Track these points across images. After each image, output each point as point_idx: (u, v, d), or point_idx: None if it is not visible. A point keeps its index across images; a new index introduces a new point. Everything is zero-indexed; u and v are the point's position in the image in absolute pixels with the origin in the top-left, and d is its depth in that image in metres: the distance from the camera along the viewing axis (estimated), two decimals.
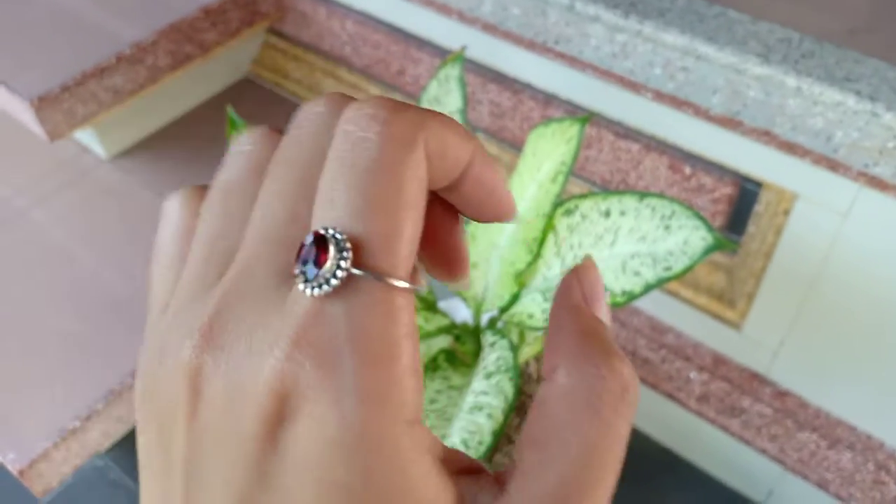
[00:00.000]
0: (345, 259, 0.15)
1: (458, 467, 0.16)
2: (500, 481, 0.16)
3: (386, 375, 0.15)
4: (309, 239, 0.15)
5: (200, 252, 0.17)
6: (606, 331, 0.17)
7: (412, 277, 0.18)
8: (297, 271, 0.15)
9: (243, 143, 0.19)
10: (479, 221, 0.19)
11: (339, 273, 0.15)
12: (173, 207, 0.20)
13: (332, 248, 0.15)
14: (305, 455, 0.14)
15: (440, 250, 0.20)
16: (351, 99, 0.17)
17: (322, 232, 0.15)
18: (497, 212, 0.19)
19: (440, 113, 0.17)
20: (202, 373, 0.15)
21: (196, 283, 0.17)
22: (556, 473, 0.15)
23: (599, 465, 0.16)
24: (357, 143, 0.16)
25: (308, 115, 0.18)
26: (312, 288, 0.15)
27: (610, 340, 0.17)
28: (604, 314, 0.18)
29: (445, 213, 0.19)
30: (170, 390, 0.16)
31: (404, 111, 0.16)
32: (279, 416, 0.15)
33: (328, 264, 0.15)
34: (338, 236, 0.15)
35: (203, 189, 0.20)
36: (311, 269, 0.15)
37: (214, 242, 0.17)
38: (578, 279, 0.18)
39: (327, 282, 0.15)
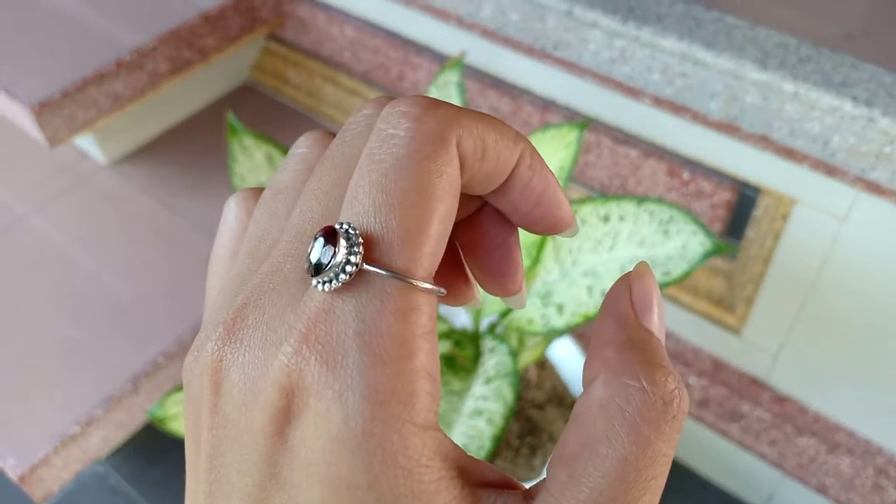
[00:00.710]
0: (355, 254, 0.15)
1: (483, 480, 0.16)
2: (528, 497, 0.15)
3: (394, 374, 0.14)
4: (319, 233, 0.15)
5: (247, 250, 0.18)
6: (655, 343, 0.16)
7: (452, 282, 0.19)
8: (305, 265, 0.15)
9: (298, 146, 0.19)
10: (532, 232, 0.19)
11: (349, 268, 0.15)
12: (230, 208, 0.20)
13: (342, 242, 0.15)
14: (312, 452, 0.14)
15: (493, 262, 0.19)
16: (388, 98, 0.18)
17: (335, 227, 0.15)
18: (550, 221, 0.18)
19: (481, 112, 0.17)
20: (221, 366, 0.16)
21: (238, 280, 0.17)
22: (587, 488, 0.15)
23: (635, 482, 0.15)
24: (386, 139, 0.16)
25: (356, 117, 0.18)
26: (323, 283, 0.15)
27: (657, 352, 0.16)
28: (655, 325, 0.17)
29: (499, 222, 0.19)
30: (197, 384, 0.16)
31: (437, 108, 0.16)
32: (287, 412, 0.15)
33: (338, 258, 0.15)
34: (350, 230, 0.15)
35: (259, 191, 0.20)
36: (314, 259, 0.15)
37: (260, 241, 0.17)
38: (629, 286, 0.17)
39: (337, 277, 0.15)
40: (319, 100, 0.82)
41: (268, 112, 0.84)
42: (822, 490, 0.61)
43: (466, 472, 0.15)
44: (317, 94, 0.82)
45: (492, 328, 0.51)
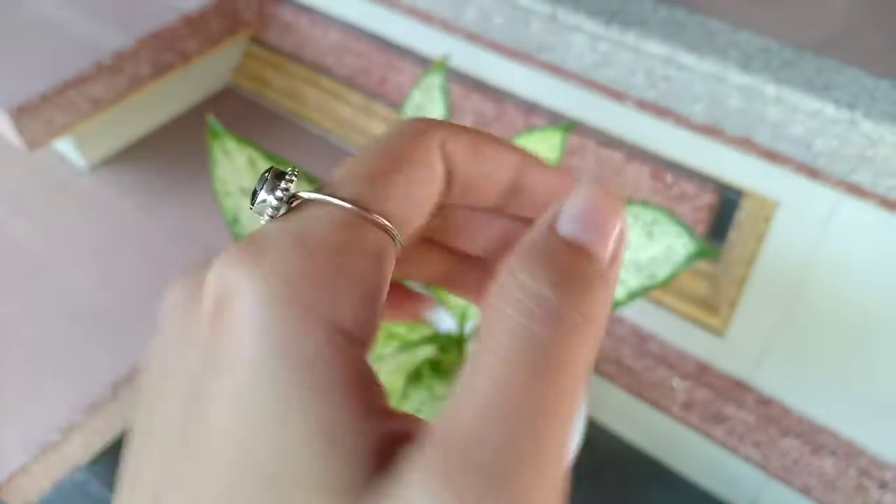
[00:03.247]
0: (288, 182, 0.17)
1: (386, 409, 0.15)
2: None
3: (314, 268, 0.15)
4: (265, 174, 0.17)
5: None
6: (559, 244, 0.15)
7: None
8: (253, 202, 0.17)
9: None
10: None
11: (279, 193, 0.16)
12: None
13: (284, 180, 0.17)
14: (237, 334, 0.15)
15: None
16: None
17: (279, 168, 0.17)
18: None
19: (472, 127, 0.18)
20: (221, 278, 0.17)
21: None
22: (484, 382, 0.13)
23: (544, 360, 0.13)
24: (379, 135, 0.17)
25: None
26: (262, 214, 0.17)
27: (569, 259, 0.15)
28: (575, 228, 0.15)
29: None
30: (201, 293, 0.17)
31: (424, 117, 0.18)
32: (218, 308, 0.15)
33: (276, 191, 0.16)
34: (290, 171, 0.17)
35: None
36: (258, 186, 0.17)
37: None
38: (588, 196, 0.15)
39: (266, 202, 0.16)
40: (302, 103, 0.81)
41: (250, 115, 0.84)
42: (805, 491, 0.62)
43: (380, 397, 0.15)
44: (299, 97, 0.82)
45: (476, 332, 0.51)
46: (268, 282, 0.15)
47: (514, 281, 0.14)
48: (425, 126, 0.17)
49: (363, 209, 0.16)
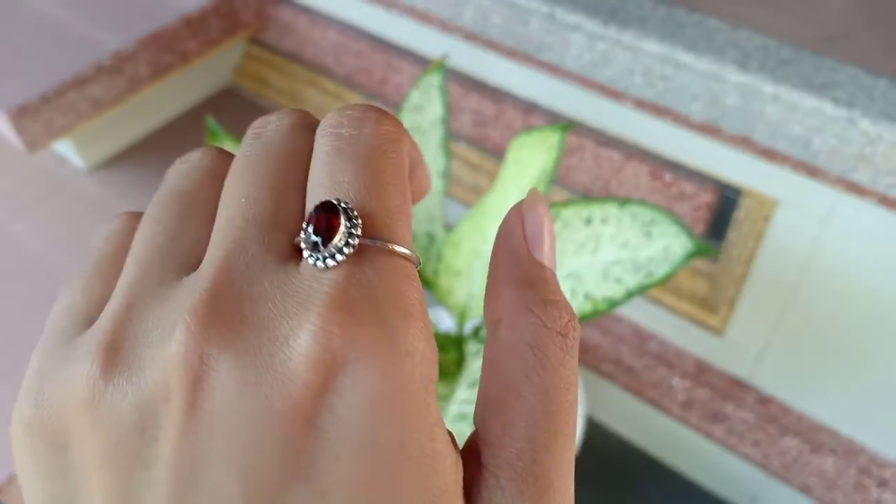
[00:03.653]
0: (356, 227, 0.15)
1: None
2: (470, 452, 0.16)
3: (418, 332, 0.15)
4: (314, 207, 0.15)
5: (152, 252, 0.16)
6: (548, 276, 0.17)
7: None
8: (304, 241, 0.15)
9: (195, 160, 0.18)
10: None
11: (352, 241, 0.15)
12: (125, 221, 0.18)
13: (342, 218, 0.15)
14: (345, 424, 0.14)
15: None
16: (305, 112, 0.18)
17: (333, 201, 0.15)
18: (422, 191, 0.20)
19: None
20: (203, 359, 0.14)
21: (151, 282, 0.16)
22: (522, 428, 0.16)
23: (558, 410, 0.16)
24: (354, 137, 0.17)
25: (266, 124, 0.18)
26: (324, 258, 0.15)
27: (549, 285, 0.17)
28: (547, 257, 0.18)
29: None
30: (146, 389, 0.14)
31: (388, 115, 0.17)
32: (318, 388, 0.14)
33: (340, 233, 0.15)
34: (347, 207, 0.15)
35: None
36: (314, 234, 0.15)
37: (170, 243, 0.16)
38: (521, 218, 0.18)
39: (340, 251, 0.15)
40: (301, 104, 0.81)
41: (249, 116, 0.84)
42: (805, 490, 0.62)
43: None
44: (299, 98, 0.82)
45: (476, 332, 0.51)
46: (397, 360, 0.14)
47: (533, 319, 0.17)
48: (398, 133, 0.17)
49: (414, 254, 0.16)
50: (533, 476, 0.16)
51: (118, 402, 0.14)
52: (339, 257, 0.15)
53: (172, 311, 0.15)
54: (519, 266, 0.17)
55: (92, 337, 0.15)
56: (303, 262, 0.15)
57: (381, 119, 0.17)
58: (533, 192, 0.18)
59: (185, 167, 0.18)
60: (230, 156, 0.18)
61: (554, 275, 0.18)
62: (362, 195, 0.16)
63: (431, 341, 0.15)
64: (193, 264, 0.16)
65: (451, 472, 0.15)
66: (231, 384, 0.14)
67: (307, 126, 0.18)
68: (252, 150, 0.17)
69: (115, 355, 0.15)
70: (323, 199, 0.16)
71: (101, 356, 0.15)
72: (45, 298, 0.72)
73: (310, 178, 0.17)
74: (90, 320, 0.16)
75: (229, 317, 0.14)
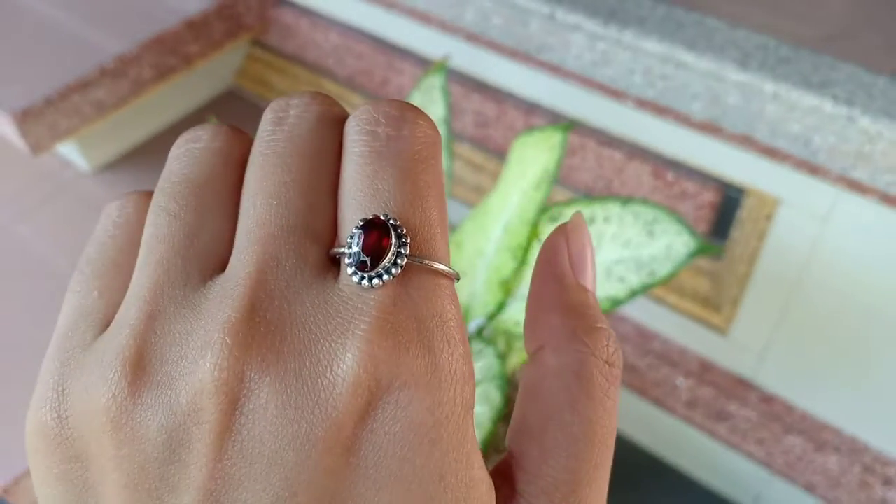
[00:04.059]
0: (405, 245, 0.14)
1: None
2: (503, 476, 0.16)
3: (461, 358, 0.14)
4: (358, 224, 0.15)
5: (171, 252, 0.15)
6: (592, 300, 0.17)
7: None
8: (348, 257, 0.14)
9: (205, 140, 0.17)
10: None
11: (400, 261, 0.14)
12: (126, 209, 0.17)
13: (392, 237, 0.14)
14: (385, 451, 0.13)
15: None
16: (333, 99, 0.17)
17: (382, 218, 0.15)
18: None
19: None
20: (245, 380, 0.13)
21: (173, 287, 0.15)
22: (563, 457, 0.15)
23: (601, 441, 0.16)
24: (392, 140, 0.16)
25: (288, 107, 0.17)
26: (371, 278, 0.14)
27: (595, 312, 0.17)
28: (589, 279, 0.17)
29: None
30: (178, 410, 0.13)
31: (425, 115, 0.17)
32: (360, 414, 0.13)
33: (390, 253, 0.14)
34: (397, 224, 0.15)
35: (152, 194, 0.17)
36: (363, 253, 0.14)
37: (191, 239, 0.15)
38: (566, 240, 0.17)
39: (388, 271, 0.14)
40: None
41: (252, 118, 0.84)
42: (809, 488, 0.62)
43: None
44: None
45: (479, 331, 0.51)
46: (441, 389, 0.14)
47: (581, 347, 0.16)
48: (435, 136, 0.16)
49: (454, 271, 0.15)
50: None
51: (146, 422, 0.14)
52: (385, 277, 0.14)
53: (204, 326, 0.14)
54: (565, 291, 0.17)
55: (115, 349, 0.14)
56: (342, 278, 0.15)
57: (419, 120, 0.16)
58: (576, 217, 0.18)
59: (196, 148, 0.17)
60: (244, 136, 0.17)
61: (596, 299, 0.17)
62: (405, 208, 0.15)
63: (471, 364, 0.15)
64: (216, 265, 0.15)
65: (486, 498, 0.15)
66: (271, 409, 0.13)
67: (334, 118, 0.17)
68: (276, 142, 0.16)
69: (142, 372, 0.14)
70: (367, 213, 0.15)
71: (128, 372, 0.14)
72: (49, 300, 0.72)
73: (344, 181, 0.16)
74: (107, 322, 0.15)
75: (270, 337, 0.14)
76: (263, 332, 0.14)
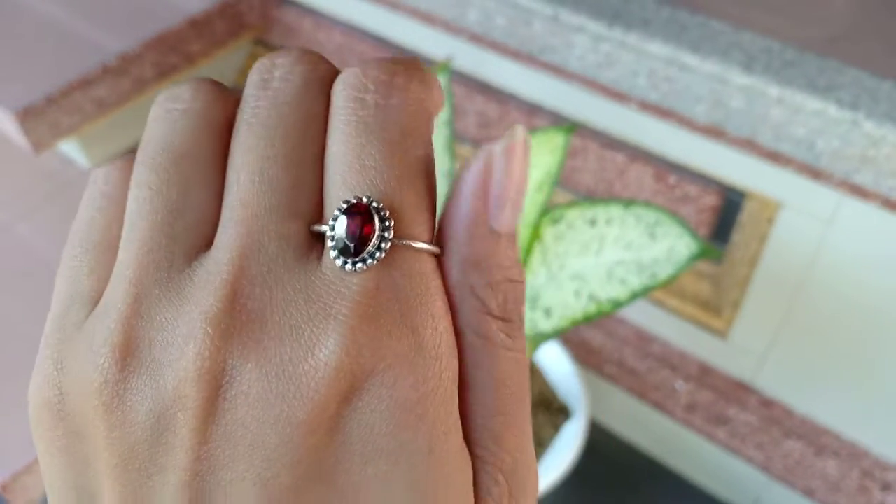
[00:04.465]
0: (388, 230, 0.14)
1: None
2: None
3: (445, 333, 0.15)
4: (341, 207, 0.14)
5: (155, 228, 0.15)
6: (500, 247, 0.16)
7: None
8: (330, 240, 0.14)
9: (186, 100, 0.16)
10: None
11: (384, 245, 0.14)
12: (113, 178, 0.17)
13: (376, 220, 0.14)
14: (371, 429, 0.14)
15: None
16: (321, 57, 0.16)
17: (365, 202, 0.14)
18: None
19: (426, 72, 0.17)
20: (226, 366, 0.14)
21: (158, 268, 0.15)
22: (479, 420, 0.15)
23: (511, 396, 0.16)
24: (380, 109, 0.15)
25: (273, 68, 0.16)
26: (355, 262, 0.14)
27: (495, 262, 0.16)
28: (507, 217, 0.16)
29: None
30: (165, 396, 0.14)
31: (417, 76, 0.16)
32: (343, 396, 0.14)
33: (374, 238, 0.14)
34: (380, 207, 0.14)
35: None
36: (347, 240, 0.14)
37: (174, 216, 0.15)
38: (490, 169, 0.16)
39: (372, 255, 0.14)
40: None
41: None
42: (808, 493, 0.62)
43: None
44: None
45: None
46: (426, 366, 0.14)
47: (476, 304, 0.16)
48: (427, 101, 0.16)
49: (435, 246, 0.15)
50: (498, 464, 0.15)
51: (136, 407, 0.14)
52: (369, 262, 0.14)
53: (189, 313, 0.14)
54: (468, 242, 0.16)
55: (103, 333, 0.14)
56: (325, 261, 0.15)
57: (410, 85, 0.15)
58: (512, 139, 0.16)
59: (177, 111, 0.16)
60: (227, 95, 0.16)
61: (510, 239, 0.16)
62: (391, 186, 0.15)
63: (452, 335, 0.15)
64: (201, 244, 0.15)
65: (469, 467, 0.15)
66: (253, 394, 0.14)
67: (322, 79, 0.16)
68: (260, 110, 0.16)
69: (131, 357, 0.14)
70: (352, 191, 0.15)
71: (117, 358, 0.14)
72: (49, 298, 0.72)
73: (329, 152, 0.15)
74: (96, 300, 0.16)
75: (250, 324, 0.14)
76: (245, 320, 0.14)
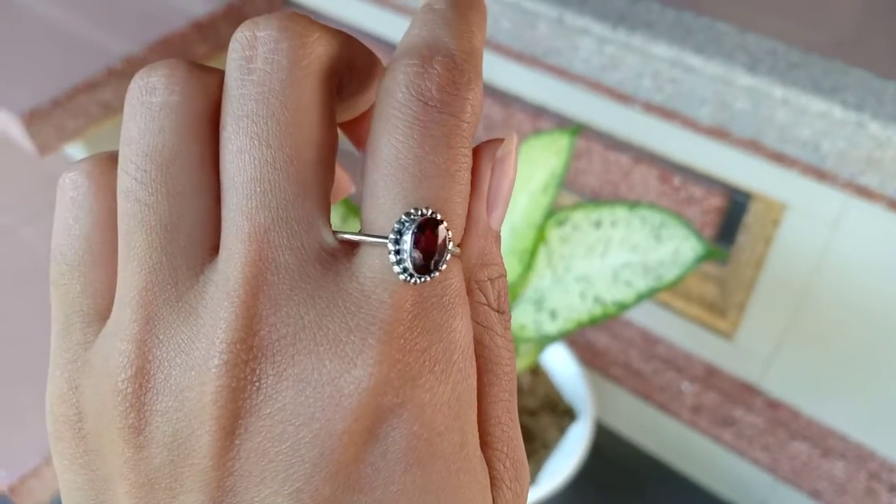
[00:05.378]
0: (450, 241, 0.14)
1: None
2: None
3: (470, 340, 0.15)
4: (407, 220, 0.14)
5: (153, 247, 0.14)
6: (493, 245, 0.16)
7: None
8: (394, 257, 0.14)
9: (163, 92, 0.15)
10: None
11: (447, 257, 0.14)
12: (82, 184, 0.16)
13: (441, 234, 0.14)
14: (410, 437, 0.14)
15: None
16: (301, 28, 0.15)
17: (430, 214, 0.14)
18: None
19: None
20: (258, 385, 0.13)
21: (165, 288, 0.14)
22: (483, 404, 0.16)
23: (506, 380, 0.16)
24: (444, 116, 0.14)
25: (255, 44, 0.14)
26: (421, 276, 0.14)
27: (489, 260, 0.16)
28: (498, 218, 0.16)
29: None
30: (187, 417, 0.14)
31: (474, 80, 0.15)
32: (388, 404, 0.14)
33: (438, 253, 0.14)
34: (441, 220, 0.14)
35: (113, 160, 0.16)
36: (416, 254, 0.14)
37: (171, 233, 0.14)
38: (491, 170, 0.16)
39: (437, 267, 0.14)
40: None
41: None
42: (815, 495, 0.61)
43: None
44: None
45: None
46: (455, 386, 0.14)
47: (481, 299, 0.16)
48: (464, 96, 0.15)
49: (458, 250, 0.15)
50: (506, 451, 0.16)
51: (160, 428, 0.14)
52: (434, 274, 0.14)
53: (205, 336, 0.14)
54: (469, 236, 0.16)
55: (119, 357, 0.14)
56: (360, 269, 0.14)
57: (470, 87, 0.14)
58: (508, 143, 0.16)
59: (154, 104, 0.15)
60: (207, 78, 0.15)
61: (499, 237, 0.16)
62: (449, 198, 0.14)
63: (472, 347, 0.15)
64: (205, 254, 0.14)
65: (484, 461, 0.16)
66: (290, 410, 0.13)
67: (312, 60, 0.15)
68: (247, 101, 0.14)
69: (149, 380, 0.14)
70: (413, 202, 0.14)
71: (135, 380, 0.14)
72: None
73: (381, 154, 0.14)
74: (99, 315, 0.15)
75: (279, 342, 0.13)
76: (273, 338, 0.13)
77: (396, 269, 0.14)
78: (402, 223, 0.14)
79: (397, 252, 0.14)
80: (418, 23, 0.15)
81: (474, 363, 0.15)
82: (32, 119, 0.67)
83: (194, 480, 0.14)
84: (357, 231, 0.14)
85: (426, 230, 0.14)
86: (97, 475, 0.15)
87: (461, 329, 0.15)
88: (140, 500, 0.14)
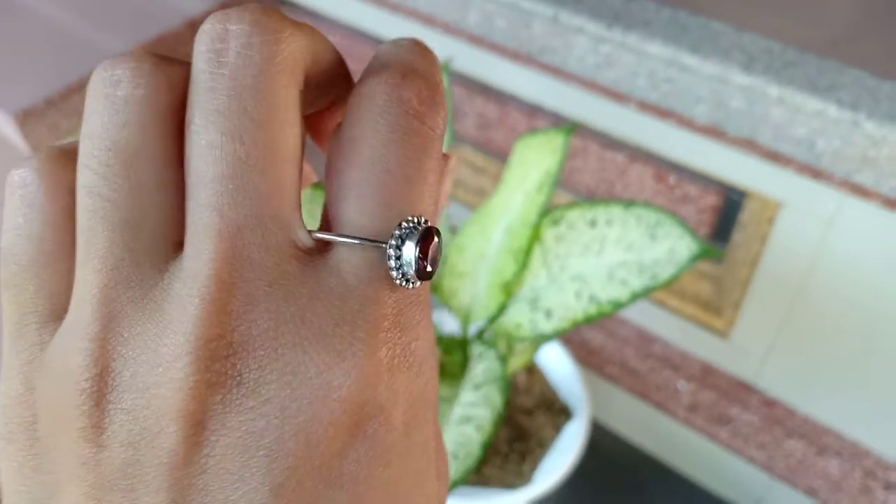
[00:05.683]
0: (440, 249, 0.15)
1: None
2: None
3: (434, 359, 0.16)
4: (406, 228, 0.14)
5: (115, 243, 0.14)
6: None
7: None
8: (395, 263, 0.14)
9: (127, 85, 0.14)
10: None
11: (439, 260, 0.15)
12: (32, 181, 0.15)
13: (435, 240, 0.15)
14: (393, 429, 0.14)
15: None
16: (274, 24, 0.14)
17: (425, 222, 0.14)
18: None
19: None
20: (238, 380, 0.13)
21: (128, 285, 0.14)
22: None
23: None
24: (425, 126, 0.15)
25: (225, 37, 0.14)
26: (411, 281, 0.14)
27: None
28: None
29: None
30: (157, 414, 0.13)
31: (438, 91, 0.16)
32: (373, 397, 0.14)
33: (430, 259, 0.15)
34: (436, 229, 0.15)
35: (70, 153, 0.15)
36: (416, 262, 0.14)
37: (134, 230, 0.14)
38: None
39: (433, 271, 0.15)
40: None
41: None
42: (811, 492, 0.61)
43: None
44: None
45: (480, 334, 0.51)
46: (426, 390, 0.15)
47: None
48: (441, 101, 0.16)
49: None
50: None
51: (125, 426, 0.13)
52: (413, 284, 0.14)
53: (174, 333, 0.13)
54: None
55: (79, 358, 0.14)
56: (341, 266, 0.14)
57: (442, 99, 0.15)
58: (454, 159, 0.17)
59: (118, 98, 0.14)
60: (173, 71, 0.15)
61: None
62: (432, 206, 0.15)
63: (435, 348, 0.16)
64: (168, 250, 0.14)
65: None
66: (273, 405, 0.13)
67: (287, 54, 0.14)
68: (218, 96, 0.14)
69: (113, 379, 0.13)
70: (412, 209, 0.14)
71: (98, 379, 0.13)
72: None
73: (362, 157, 0.14)
74: (54, 315, 0.15)
75: (251, 341, 0.13)
76: (252, 334, 0.13)
77: (395, 273, 0.14)
78: (404, 231, 0.14)
79: (397, 258, 0.14)
80: (389, 47, 0.16)
81: (436, 380, 0.16)
82: (26, 118, 0.66)
83: (162, 479, 0.13)
84: (320, 226, 0.15)
85: (429, 239, 0.14)
86: (48, 479, 0.14)
87: (429, 326, 0.15)
88: (98, 501, 0.14)
